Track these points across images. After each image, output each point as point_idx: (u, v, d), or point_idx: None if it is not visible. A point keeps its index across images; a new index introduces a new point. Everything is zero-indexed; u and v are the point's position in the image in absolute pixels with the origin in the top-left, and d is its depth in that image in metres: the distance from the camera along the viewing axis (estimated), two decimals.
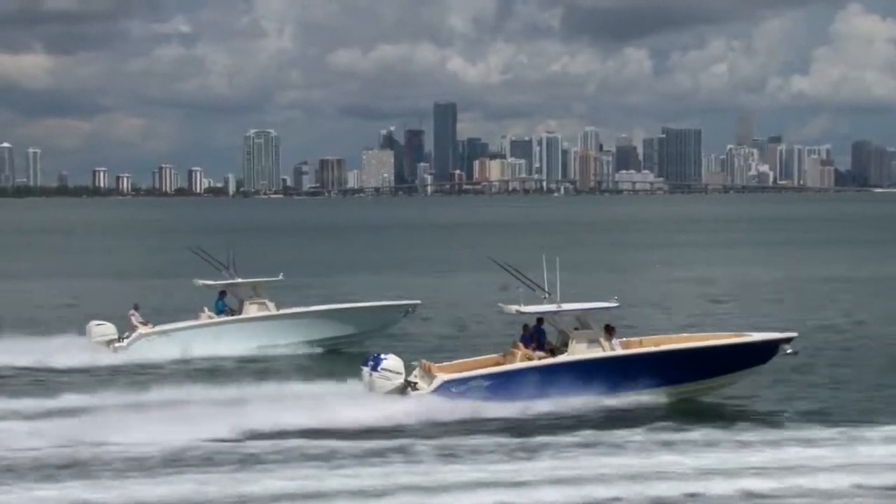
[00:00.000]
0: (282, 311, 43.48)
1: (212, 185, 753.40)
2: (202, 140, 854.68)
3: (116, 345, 41.81)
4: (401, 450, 27.01)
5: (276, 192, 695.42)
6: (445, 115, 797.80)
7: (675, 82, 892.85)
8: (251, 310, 43.14)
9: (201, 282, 44.01)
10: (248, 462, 26.04)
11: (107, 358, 40.86)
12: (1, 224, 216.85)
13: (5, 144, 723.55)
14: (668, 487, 23.89)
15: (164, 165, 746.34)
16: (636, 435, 28.38)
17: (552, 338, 33.22)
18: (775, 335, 34.04)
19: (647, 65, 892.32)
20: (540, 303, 32.64)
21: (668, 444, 27.51)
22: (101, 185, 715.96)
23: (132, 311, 43.19)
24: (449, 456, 26.59)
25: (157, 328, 42.70)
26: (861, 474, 24.49)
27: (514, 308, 32.62)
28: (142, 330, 42.24)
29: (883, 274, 77.84)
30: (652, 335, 35.46)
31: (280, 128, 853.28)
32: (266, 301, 43.36)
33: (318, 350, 42.88)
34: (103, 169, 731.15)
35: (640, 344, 33.51)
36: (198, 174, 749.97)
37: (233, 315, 43.17)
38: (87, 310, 49.59)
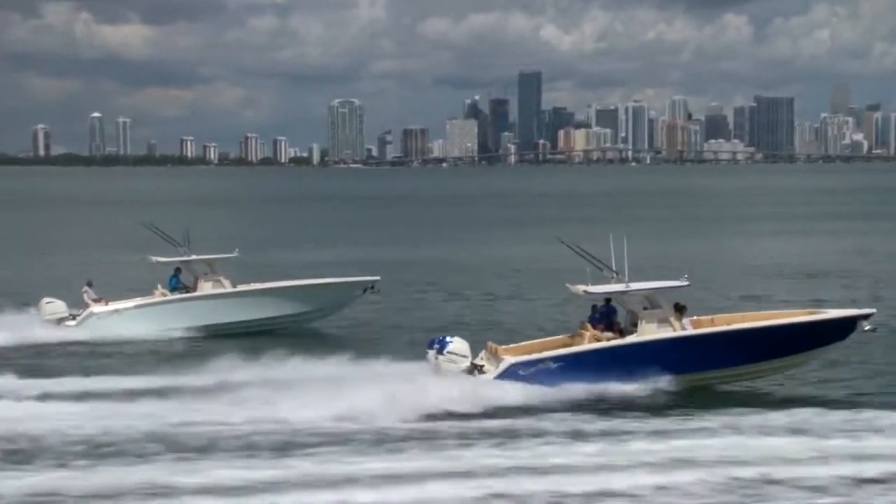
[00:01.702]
0: (236, 289, 42.83)
1: (297, 154, 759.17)
2: (297, 109, 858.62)
3: (67, 323, 41.18)
4: (468, 433, 26.90)
5: (355, 162, 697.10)
6: (531, 83, 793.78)
7: (775, 49, 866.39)
8: (206, 287, 42.44)
9: (156, 258, 43.40)
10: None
11: (53, 335, 40.33)
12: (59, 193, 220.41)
13: (96, 114, 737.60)
14: (749, 471, 23.67)
15: (249, 135, 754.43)
16: (714, 418, 28.07)
17: (621, 318, 32.69)
18: (853, 311, 33.05)
19: (747, 31, 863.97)
20: (608, 282, 32.05)
21: (746, 427, 27.20)
22: (189, 154, 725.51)
23: (85, 288, 42.54)
24: (514, 439, 26.46)
25: (110, 306, 41.96)
26: None
27: (581, 288, 31.99)
28: (93, 308, 41.60)
29: None
30: (724, 313, 34.74)
31: (373, 97, 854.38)
32: (221, 278, 42.73)
33: (273, 328, 42.38)
34: (190, 138, 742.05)
35: (712, 323, 32.69)
36: (282, 144, 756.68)
37: (187, 292, 42.55)
38: (49, 286, 48.63)
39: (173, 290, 42.60)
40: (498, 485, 22.99)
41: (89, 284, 42.79)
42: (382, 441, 26.31)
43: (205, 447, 25.83)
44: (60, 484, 23.12)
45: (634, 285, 31.95)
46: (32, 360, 36.78)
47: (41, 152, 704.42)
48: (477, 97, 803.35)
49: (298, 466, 24.36)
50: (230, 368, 33.10)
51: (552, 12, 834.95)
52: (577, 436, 26.70)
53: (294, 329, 43.03)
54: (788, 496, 22.50)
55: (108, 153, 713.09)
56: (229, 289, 42.66)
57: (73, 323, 41.26)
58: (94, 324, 41.12)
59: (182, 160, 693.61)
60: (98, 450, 25.54)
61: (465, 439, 26.36)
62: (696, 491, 22.75)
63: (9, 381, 32.36)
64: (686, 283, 32.69)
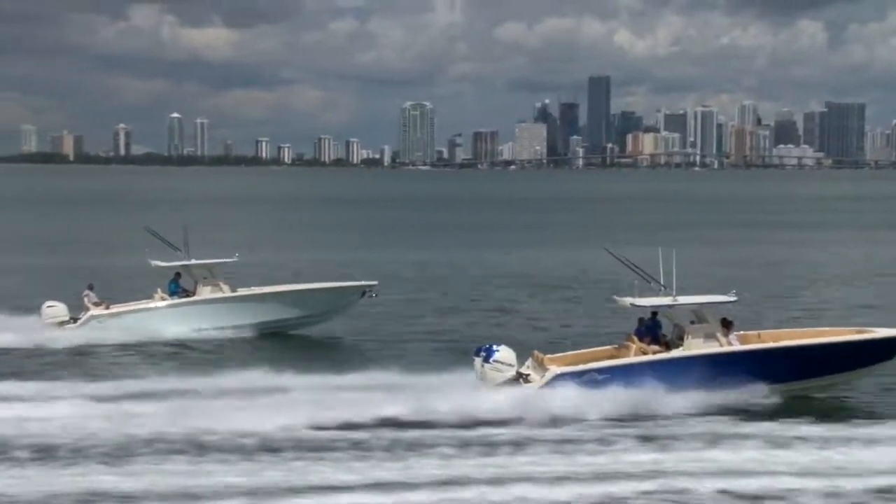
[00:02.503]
0: (234, 293, 42.58)
1: (369, 156, 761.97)
2: (372, 111, 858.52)
3: (68, 326, 41.04)
4: (505, 442, 26.85)
5: (424, 164, 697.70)
6: (600, 88, 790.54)
7: (849, 55, 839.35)
8: (205, 291, 42.19)
9: (155, 263, 43.06)
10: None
11: (53, 338, 40.09)
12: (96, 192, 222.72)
13: (175, 115, 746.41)
14: (766, 481, 23.73)
15: (322, 136, 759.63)
16: (757, 429, 27.83)
17: (667, 331, 32.24)
18: None
19: (822, 37, 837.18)
20: (655, 295, 31.67)
21: (782, 441, 26.91)
22: (264, 155, 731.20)
23: (86, 292, 42.39)
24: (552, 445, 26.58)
25: (110, 310, 41.84)
26: None
27: (628, 301, 31.73)
28: (93, 311, 41.51)
29: None
30: (773, 329, 34.25)
31: (446, 100, 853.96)
32: (220, 283, 42.49)
33: (273, 331, 42.33)
34: (266, 139, 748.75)
35: (759, 338, 32.24)
36: (355, 145, 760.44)
37: (187, 296, 42.27)
38: (61, 287, 48.27)
39: (172, 294, 42.42)
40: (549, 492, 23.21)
41: (90, 288, 42.67)
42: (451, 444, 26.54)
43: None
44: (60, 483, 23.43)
45: (682, 299, 31.56)
46: (29, 363, 36.91)
47: (122, 151, 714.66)
48: (547, 101, 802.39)
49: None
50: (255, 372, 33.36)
51: (625, 17, 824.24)
52: (622, 444, 26.70)
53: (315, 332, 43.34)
54: None
55: (186, 153, 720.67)
56: (228, 293, 42.51)
57: (73, 326, 41.14)
58: (93, 327, 41.00)
59: (256, 161, 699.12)
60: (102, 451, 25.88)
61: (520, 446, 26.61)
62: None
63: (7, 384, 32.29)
64: (734, 298, 32.07)
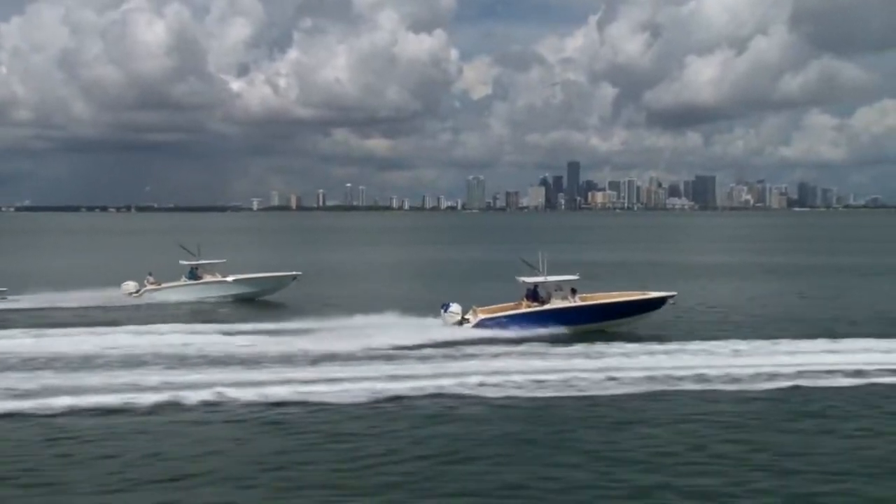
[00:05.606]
0: (219, 280, 40.72)
1: (450, 205, 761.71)
2: (455, 181, 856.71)
3: (134, 295, 39.57)
4: (441, 355, 26.06)
5: (477, 209, 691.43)
6: (575, 168, 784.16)
7: (714, 149, 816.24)
8: (207, 278, 40.86)
9: (182, 262, 41.61)
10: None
11: (125, 302, 38.46)
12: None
13: (348, 184, 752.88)
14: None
15: (424, 194, 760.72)
16: (588, 347, 26.87)
17: (543, 295, 31.74)
18: (664, 293, 31.81)
19: (699, 140, 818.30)
20: (535, 276, 31.46)
21: (598, 354, 26.04)
22: (393, 205, 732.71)
23: (148, 276, 40.77)
24: (466, 358, 25.77)
25: (161, 286, 40.27)
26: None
27: (522, 279, 31.61)
28: (149, 287, 40.12)
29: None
30: (601, 292, 33.31)
31: (497, 174, 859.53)
32: (217, 273, 41.10)
33: (234, 301, 39.75)
34: (395, 196, 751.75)
35: (592, 298, 31.67)
36: (442, 198, 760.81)
37: (198, 281, 40.79)
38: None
39: (190, 279, 40.94)
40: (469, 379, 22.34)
41: (150, 273, 40.99)
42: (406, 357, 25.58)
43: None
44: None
45: (550, 278, 31.25)
46: (111, 314, 34.89)
47: (320, 204, 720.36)
48: (547, 174, 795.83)
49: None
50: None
51: (593, 130, 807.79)
52: (507, 356, 25.91)
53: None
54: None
55: (353, 204, 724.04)
56: (222, 279, 40.89)
57: (137, 294, 39.81)
58: (148, 296, 39.70)
59: (388, 208, 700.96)
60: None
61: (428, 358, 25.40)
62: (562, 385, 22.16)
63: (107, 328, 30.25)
64: (577, 277, 31.71)
